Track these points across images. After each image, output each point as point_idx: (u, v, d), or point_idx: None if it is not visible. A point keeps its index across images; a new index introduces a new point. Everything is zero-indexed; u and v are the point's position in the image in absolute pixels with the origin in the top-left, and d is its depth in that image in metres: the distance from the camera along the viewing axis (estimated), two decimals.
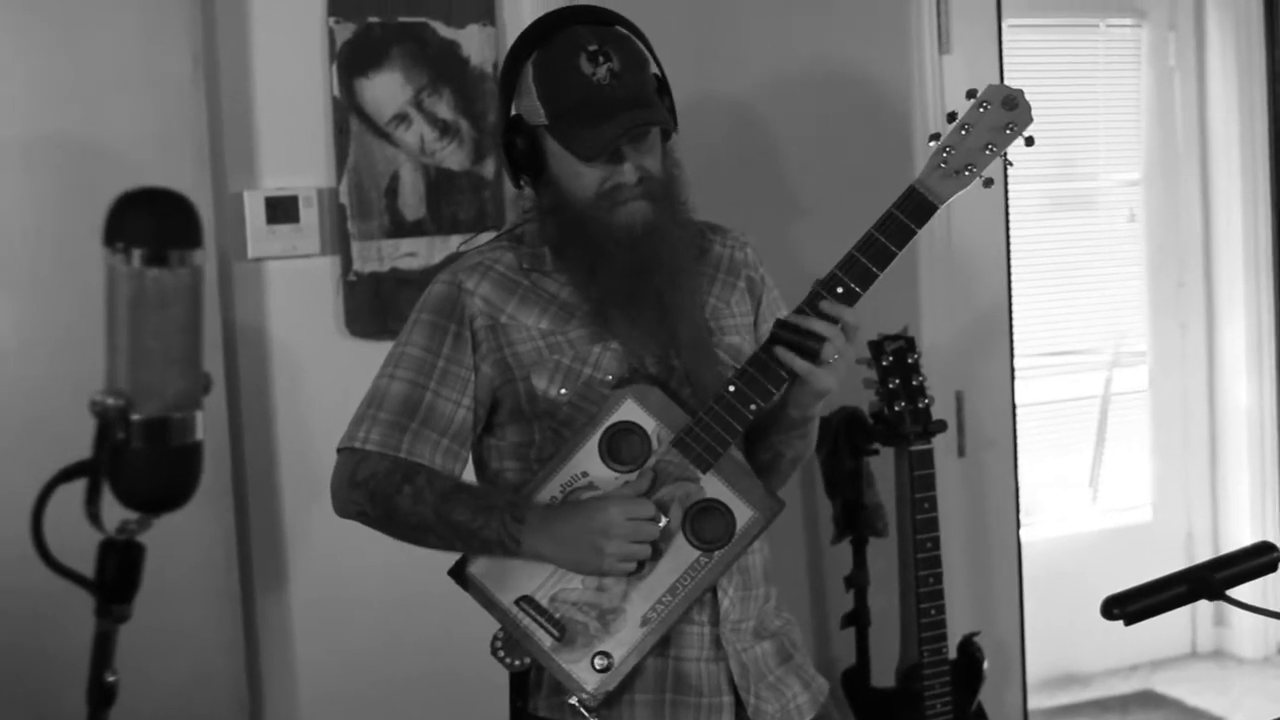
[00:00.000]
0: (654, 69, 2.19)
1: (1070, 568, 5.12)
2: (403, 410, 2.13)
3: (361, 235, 3.10)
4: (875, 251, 2.05)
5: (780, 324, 2.05)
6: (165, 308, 1.32)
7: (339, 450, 2.17)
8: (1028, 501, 3.84)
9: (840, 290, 2.04)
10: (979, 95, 2.06)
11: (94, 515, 1.33)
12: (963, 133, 2.05)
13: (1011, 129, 2.05)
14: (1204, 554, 5.35)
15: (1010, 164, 2.08)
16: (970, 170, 2.05)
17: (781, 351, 2.03)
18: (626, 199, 2.11)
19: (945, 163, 2.04)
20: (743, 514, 2.08)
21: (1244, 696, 5.12)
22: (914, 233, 2.05)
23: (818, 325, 2.02)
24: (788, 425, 2.18)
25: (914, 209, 2.04)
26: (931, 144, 2.06)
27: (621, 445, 2.08)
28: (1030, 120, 2.05)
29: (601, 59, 2.09)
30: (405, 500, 2.08)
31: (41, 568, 2.27)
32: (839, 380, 2.08)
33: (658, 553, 2.06)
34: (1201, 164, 5.39)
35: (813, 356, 2.03)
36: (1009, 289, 3.72)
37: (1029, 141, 2.06)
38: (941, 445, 3.28)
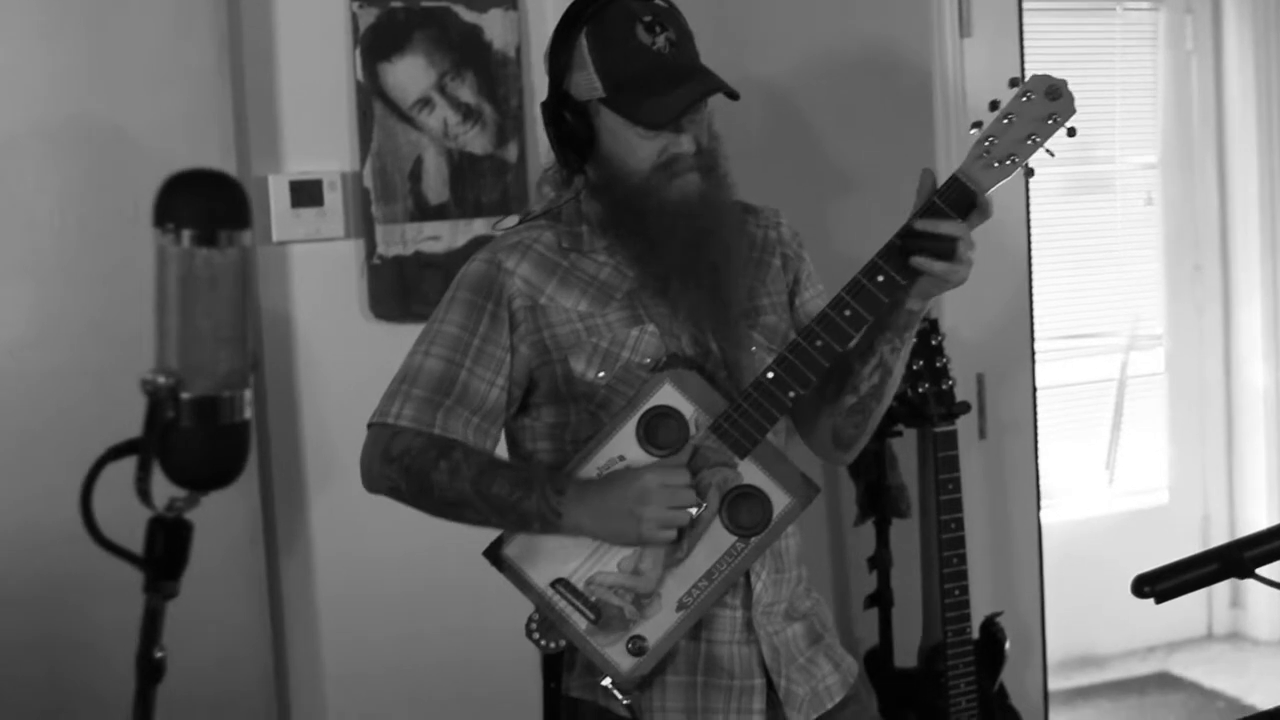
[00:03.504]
0: None
1: (1087, 550, 5.13)
2: (437, 387, 2.12)
3: (385, 219, 3.11)
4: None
5: (908, 232, 2.04)
6: (215, 288, 1.32)
7: (370, 426, 2.17)
8: (1044, 484, 3.85)
9: (880, 279, 2.05)
10: (1022, 85, 2.04)
11: (144, 492, 1.34)
12: (1005, 122, 2.03)
13: (1054, 120, 2.03)
14: (1220, 537, 5.35)
15: (1051, 154, 2.06)
16: (1013, 160, 2.03)
17: (919, 260, 2.03)
18: (683, 170, 2.11)
19: (988, 152, 2.03)
20: (779, 500, 2.09)
21: (1260, 678, 5.14)
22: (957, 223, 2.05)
23: (946, 225, 2.03)
24: (902, 324, 2.15)
25: (956, 198, 2.04)
26: (973, 132, 2.05)
27: (659, 429, 2.08)
28: (1073, 111, 2.03)
29: (658, 29, 2.10)
30: (442, 475, 2.08)
31: (65, 553, 2.29)
32: (970, 270, 2.07)
33: (695, 537, 2.07)
34: (1218, 147, 5.39)
35: (949, 256, 2.03)
36: (1029, 272, 3.73)
37: (1071, 132, 2.05)
38: (962, 428, 3.29)
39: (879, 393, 2.22)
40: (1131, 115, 5.39)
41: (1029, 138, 2.03)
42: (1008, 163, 2.03)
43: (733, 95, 2.13)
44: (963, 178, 2.04)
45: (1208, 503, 5.55)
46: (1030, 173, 2.07)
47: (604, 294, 2.15)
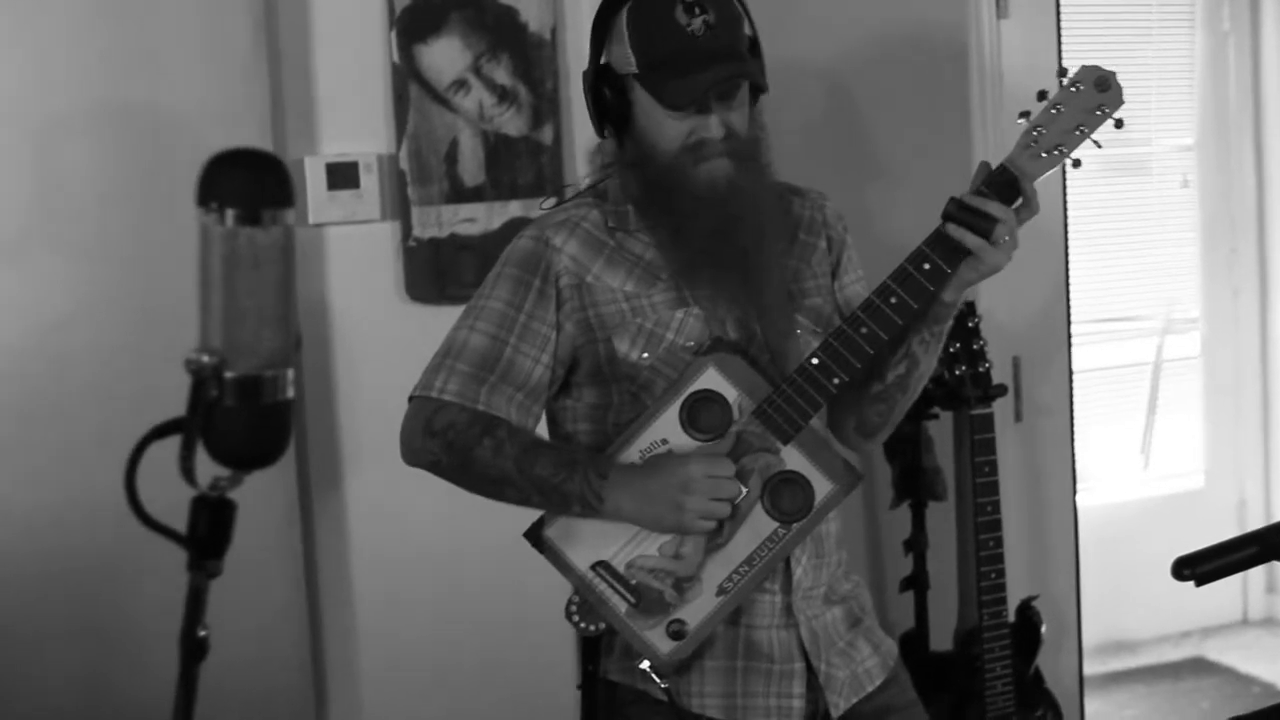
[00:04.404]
0: (747, 29, 2.18)
1: (1121, 535, 5.11)
2: (482, 363, 2.12)
3: (421, 201, 3.11)
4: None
5: (955, 202, 2.04)
6: (258, 267, 1.33)
7: (412, 398, 2.16)
8: (1080, 468, 3.84)
9: (927, 266, 2.04)
10: (1071, 76, 2.04)
11: (188, 471, 1.34)
12: (1054, 113, 2.03)
13: (1102, 111, 2.03)
14: (1256, 521, 5.33)
15: (1098, 145, 2.05)
16: (1060, 151, 2.04)
17: (954, 229, 2.03)
18: (710, 155, 2.10)
19: (1035, 142, 2.03)
20: (822, 486, 2.08)
21: None
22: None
23: (993, 207, 2.02)
24: (934, 317, 2.14)
25: (1003, 188, 2.04)
26: (1021, 121, 2.05)
27: (702, 413, 2.07)
28: (1121, 103, 2.03)
29: (698, 10, 2.08)
30: (485, 452, 2.08)
31: (105, 534, 2.30)
32: (1008, 260, 2.06)
33: (737, 523, 2.07)
34: (1255, 129, 5.36)
35: (985, 235, 2.02)
36: (1066, 255, 3.71)
37: (1119, 124, 2.04)
38: (999, 410, 3.28)
39: (904, 384, 2.22)
40: (1168, 97, 5.35)
41: (1077, 128, 2.03)
42: (1055, 153, 2.04)
43: (759, 86, 2.13)
44: (1010, 167, 2.04)
45: (1243, 487, 5.52)
46: (1077, 164, 2.07)
47: (649, 274, 2.15)
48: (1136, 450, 5.47)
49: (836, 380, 2.06)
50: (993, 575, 3.19)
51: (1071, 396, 3.77)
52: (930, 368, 2.23)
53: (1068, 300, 3.74)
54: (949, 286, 2.09)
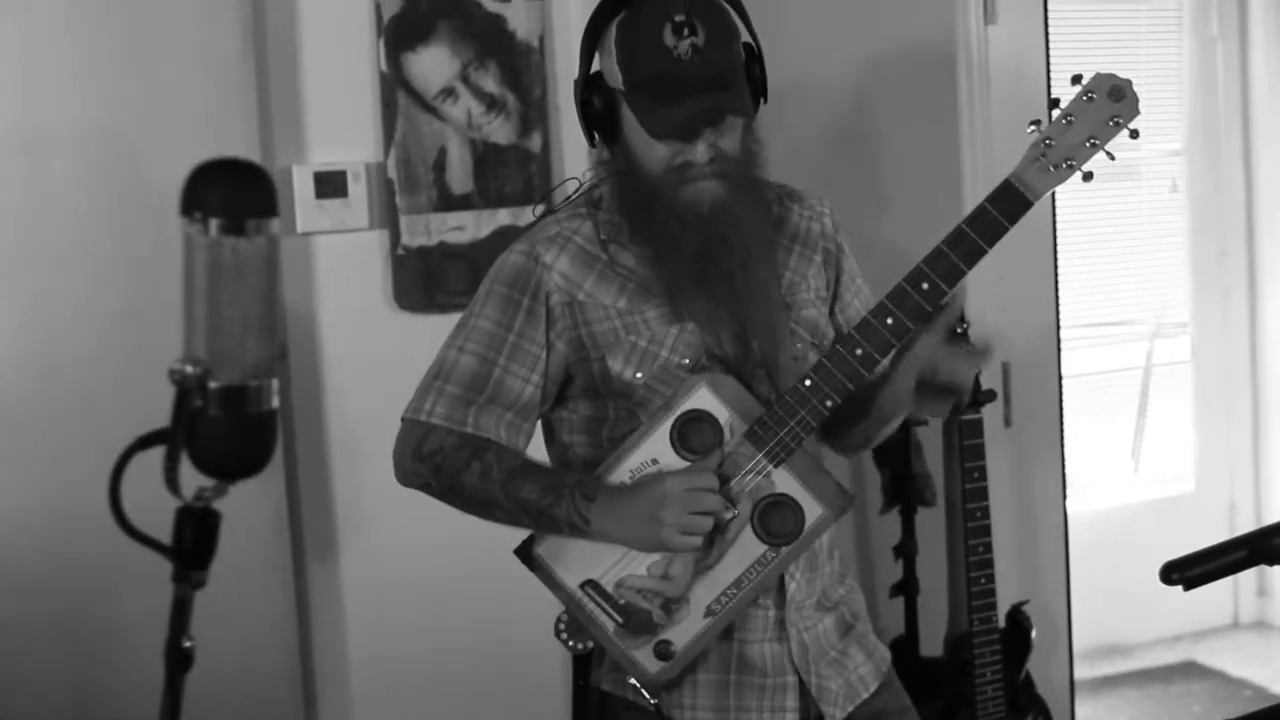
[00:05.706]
0: (745, 37, 2.13)
1: (1112, 539, 5.11)
2: (470, 385, 2.10)
3: (409, 209, 3.11)
4: (965, 248, 1.97)
5: (928, 367, 2.06)
6: (242, 277, 1.32)
7: (403, 420, 2.15)
8: (1069, 472, 3.83)
9: (925, 286, 1.98)
10: (1084, 84, 1.94)
11: (172, 482, 1.34)
12: (1065, 123, 1.94)
13: (1116, 122, 1.94)
14: (1247, 525, 5.33)
15: (1112, 157, 1.96)
16: (1070, 164, 1.94)
17: (931, 406, 2.11)
18: (696, 177, 2.05)
19: (1044, 155, 1.94)
20: (812, 510, 2.06)
21: None
22: (1006, 229, 1.97)
23: (964, 364, 2.09)
24: (879, 417, 2.16)
25: (1008, 204, 1.96)
26: (1030, 130, 1.96)
27: (693, 434, 2.05)
28: (1137, 113, 1.94)
29: (686, 31, 2.02)
30: (473, 476, 2.06)
31: (92, 542, 2.30)
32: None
33: (725, 544, 2.05)
34: (1244, 133, 5.37)
35: (959, 391, 2.09)
36: (1055, 260, 3.71)
37: (1134, 134, 1.96)
38: (988, 416, 3.27)
39: (868, 436, 2.25)
40: (1157, 102, 5.35)
41: (1089, 140, 1.94)
42: (1064, 166, 1.95)
43: (744, 115, 2.08)
44: (1016, 183, 1.96)
45: (1233, 491, 5.52)
46: (1088, 177, 1.98)
47: (644, 290, 2.12)
48: (1127, 454, 5.48)
49: (829, 402, 2.02)
50: (983, 580, 3.19)
51: (1061, 401, 3.77)
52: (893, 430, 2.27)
53: (1057, 305, 3.73)
54: (901, 374, 2.07)
